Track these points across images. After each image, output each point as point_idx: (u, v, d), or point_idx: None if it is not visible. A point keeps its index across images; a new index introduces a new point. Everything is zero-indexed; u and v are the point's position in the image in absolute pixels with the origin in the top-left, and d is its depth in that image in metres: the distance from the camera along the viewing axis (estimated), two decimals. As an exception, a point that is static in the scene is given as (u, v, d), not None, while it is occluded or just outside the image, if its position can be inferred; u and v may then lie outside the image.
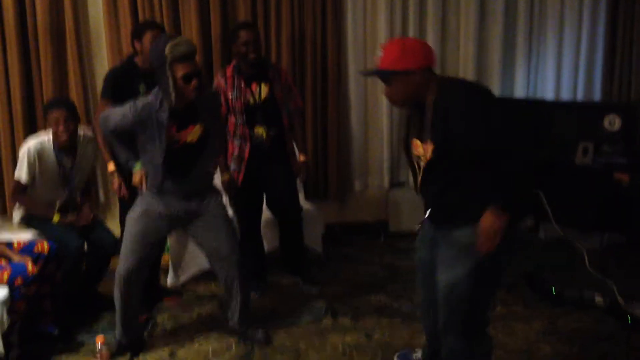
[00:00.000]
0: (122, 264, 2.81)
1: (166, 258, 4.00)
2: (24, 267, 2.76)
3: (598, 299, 3.36)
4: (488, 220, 2.02)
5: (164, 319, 3.35)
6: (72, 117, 3.16)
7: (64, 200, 3.28)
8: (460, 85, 2.15)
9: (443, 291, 2.19)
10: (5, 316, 2.64)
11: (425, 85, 2.07)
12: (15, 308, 2.73)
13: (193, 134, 2.74)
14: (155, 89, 2.70)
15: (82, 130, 3.32)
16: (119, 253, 2.90)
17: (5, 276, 2.71)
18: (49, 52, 3.99)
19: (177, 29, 4.14)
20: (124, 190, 3.29)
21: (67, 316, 3.18)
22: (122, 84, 3.21)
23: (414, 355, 2.78)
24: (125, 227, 2.87)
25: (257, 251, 3.72)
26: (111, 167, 3.30)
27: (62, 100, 3.40)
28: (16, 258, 2.84)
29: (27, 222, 3.26)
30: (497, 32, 4.65)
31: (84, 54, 4.14)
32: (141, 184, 2.81)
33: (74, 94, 4.06)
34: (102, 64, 4.15)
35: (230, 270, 2.93)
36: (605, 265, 3.55)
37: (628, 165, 3.48)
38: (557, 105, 4.34)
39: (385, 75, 2.11)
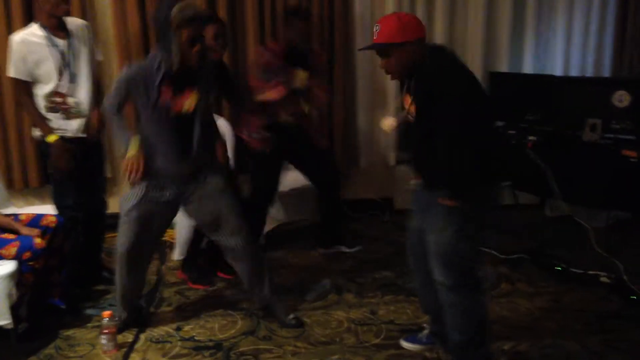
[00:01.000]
0: (121, 241, 2.78)
1: (172, 233, 4.03)
2: (32, 241, 2.77)
3: (603, 276, 3.36)
4: (444, 202, 2.25)
5: (170, 295, 3.38)
6: None
7: (60, 96, 3.06)
8: (444, 62, 2.26)
9: (432, 247, 2.33)
10: (13, 289, 2.66)
11: (418, 55, 2.23)
12: (24, 281, 2.74)
13: (190, 101, 2.66)
14: (152, 52, 2.69)
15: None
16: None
17: (14, 250, 2.72)
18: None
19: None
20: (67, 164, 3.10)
21: (74, 289, 3.22)
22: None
23: (419, 335, 2.79)
24: (122, 212, 2.77)
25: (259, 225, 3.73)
26: (54, 137, 3.08)
27: None
28: (24, 230, 2.85)
29: (41, 146, 3.17)
30: (506, 7, 4.59)
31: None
32: (133, 171, 2.67)
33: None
34: (111, 66, 4.14)
35: (240, 245, 2.89)
36: (611, 243, 3.54)
37: (636, 142, 3.44)
38: (565, 81, 4.28)
39: (384, 47, 2.25)
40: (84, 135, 3.18)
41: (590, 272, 3.42)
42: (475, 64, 4.61)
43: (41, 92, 3.06)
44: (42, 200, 4.26)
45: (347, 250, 3.97)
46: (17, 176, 4.15)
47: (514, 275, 3.50)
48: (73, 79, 3.10)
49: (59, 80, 3.05)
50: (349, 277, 3.56)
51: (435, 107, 2.16)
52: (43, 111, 3.08)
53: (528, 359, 2.64)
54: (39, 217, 3.01)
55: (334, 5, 4.32)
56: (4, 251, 2.72)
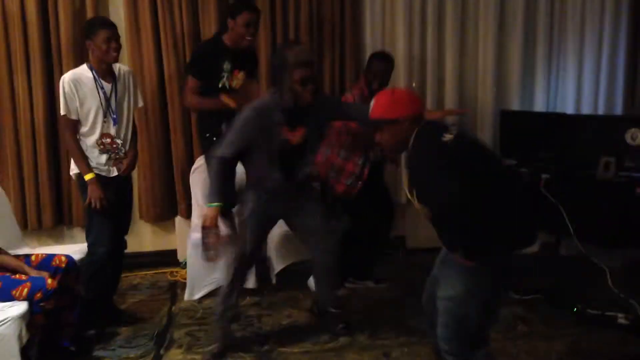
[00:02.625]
0: (242, 243, 3.02)
1: (183, 273, 4.02)
2: (44, 282, 2.77)
3: (621, 318, 3.29)
4: (457, 259, 2.17)
5: (180, 336, 3.35)
6: (119, 37, 3.19)
7: (109, 137, 3.21)
8: (424, 144, 2.20)
9: (440, 305, 2.25)
10: (24, 331, 2.65)
11: (412, 132, 2.21)
12: (34, 322, 2.73)
13: (300, 136, 2.88)
14: (271, 91, 2.90)
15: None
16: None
17: (25, 291, 2.73)
18: (72, 68, 4.04)
19: (196, 31, 4.17)
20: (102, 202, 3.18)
21: (85, 330, 3.20)
22: (208, 61, 3.34)
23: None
24: (239, 217, 3.06)
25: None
26: (91, 175, 3.18)
27: (107, 19, 3.38)
28: (33, 273, 2.85)
29: (79, 182, 3.27)
30: (517, 45, 4.63)
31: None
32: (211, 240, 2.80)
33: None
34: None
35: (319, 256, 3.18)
36: (627, 282, 3.48)
37: (651, 180, 3.41)
38: (578, 119, 4.28)
39: (375, 123, 2.28)
40: (119, 174, 3.30)
41: (608, 313, 3.34)
42: (486, 102, 4.63)
43: (91, 133, 3.18)
44: (55, 240, 4.28)
45: (374, 285, 4.00)
46: (31, 217, 4.17)
47: (530, 316, 3.44)
48: (115, 121, 3.22)
49: (104, 122, 3.19)
50: (363, 317, 3.51)
51: (421, 185, 2.15)
52: (96, 154, 3.20)
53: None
54: (50, 257, 3.02)
55: (344, 12, 4.37)
56: (15, 292, 2.72)
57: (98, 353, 3.13)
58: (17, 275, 2.82)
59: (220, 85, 3.39)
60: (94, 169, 3.20)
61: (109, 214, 3.23)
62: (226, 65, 3.36)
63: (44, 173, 4.12)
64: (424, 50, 4.54)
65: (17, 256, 3.03)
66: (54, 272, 2.93)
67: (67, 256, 3.05)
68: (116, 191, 3.29)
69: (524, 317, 3.44)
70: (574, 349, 3.08)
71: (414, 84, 4.49)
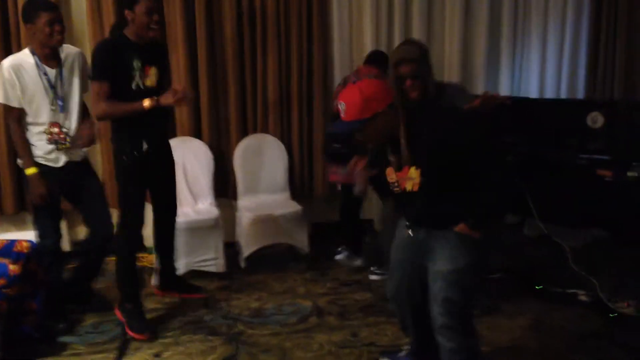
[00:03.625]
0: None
1: (150, 259, 3.98)
2: (6, 268, 2.72)
3: (581, 295, 3.39)
4: (464, 230, 2.18)
5: (149, 319, 3.32)
6: (62, 18, 2.97)
7: (56, 127, 3.02)
8: (442, 110, 2.24)
9: (441, 284, 2.22)
10: (-14, 318, 2.60)
11: (393, 119, 2.22)
12: (-3, 309, 2.69)
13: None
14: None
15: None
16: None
17: (-14, 277, 2.67)
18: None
19: (162, 30, 4.09)
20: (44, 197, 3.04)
21: (52, 319, 3.16)
22: (114, 60, 2.92)
23: (399, 354, 2.77)
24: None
25: None
26: (32, 170, 3.02)
27: (50, 2, 3.04)
28: None
29: (24, 174, 3.08)
30: (482, 32, 4.70)
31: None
32: None
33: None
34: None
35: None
36: (588, 261, 3.58)
37: (611, 162, 3.50)
38: (540, 103, 4.35)
39: (354, 125, 2.30)
40: (77, 160, 3.17)
41: (569, 291, 3.44)
42: (452, 87, 4.69)
43: (36, 122, 3.03)
44: (18, 227, 4.20)
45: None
46: (-8, 203, 4.08)
47: (494, 293, 3.51)
48: (62, 108, 3.06)
49: (50, 110, 3.02)
50: (331, 300, 3.54)
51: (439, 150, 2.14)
52: (43, 143, 3.04)
53: (510, 379, 2.64)
54: (12, 243, 2.95)
55: (312, 25, 4.38)
56: (-24, 278, 2.66)
57: (65, 339, 3.09)
58: (-22, 262, 2.75)
59: (134, 87, 2.96)
60: (40, 159, 3.04)
61: (53, 207, 3.11)
62: (136, 63, 2.94)
63: (4, 159, 4.03)
64: (392, 38, 4.56)
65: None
66: (16, 257, 2.87)
67: (30, 241, 3.00)
68: (71, 179, 3.14)
69: (489, 294, 3.51)
70: (536, 324, 3.16)
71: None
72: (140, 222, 3.17)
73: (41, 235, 3.15)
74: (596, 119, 3.69)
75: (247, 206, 4.19)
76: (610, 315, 3.19)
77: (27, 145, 3.04)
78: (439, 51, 4.70)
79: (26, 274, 2.90)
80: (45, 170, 3.05)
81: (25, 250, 2.93)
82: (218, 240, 3.89)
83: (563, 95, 4.85)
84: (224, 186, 4.41)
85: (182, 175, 4.11)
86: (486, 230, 2.19)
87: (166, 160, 3.31)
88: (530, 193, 3.60)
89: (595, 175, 3.45)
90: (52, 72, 3.02)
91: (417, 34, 4.57)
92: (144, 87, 2.98)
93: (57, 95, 3.04)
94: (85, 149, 3.22)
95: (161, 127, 3.22)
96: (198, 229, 3.85)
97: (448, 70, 4.69)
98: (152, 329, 3.14)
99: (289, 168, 4.46)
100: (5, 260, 2.80)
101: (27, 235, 3.25)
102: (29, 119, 3.03)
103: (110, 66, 2.90)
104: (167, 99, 2.94)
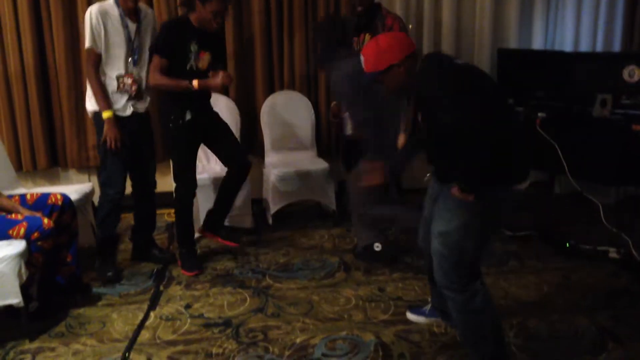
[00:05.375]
0: None
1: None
2: (40, 221, 2.78)
3: (612, 252, 3.34)
4: (456, 194, 2.16)
5: (179, 273, 3.40)
6: None
7: (130, 77, 3.17)
8: (434, 72, 2.20)
9: (435, 241, 2.25)
10: (23, 269, 2.67)
11: (412, 71, 2.21)
12: (33, 261, 2.75)
13: None
14: None
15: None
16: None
17: (22, 231, 2.73)
18: (61, 10, 4.00)
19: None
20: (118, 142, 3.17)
21: (100, 265, 3.33)
22: (176, 40, 3.17)
23: (424, 308, 2.80)
24: None
25: None
26: (109, 113, 3.14)
27: None
28: (28, 213, 2.86)
29: (95, 120, 3.23)
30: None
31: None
32: None
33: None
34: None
35: None
36: (620, 218, 3.52)
37: (647, 117, 3.40)
38: (575, 57, 4.22)
39: (373, 77, 2.27)
40: (142, 112, 3.29)
41: (600, 248, 3.40)
42: (484, 41, 4.57)
43: (112, 70, 3.15)
44: (51, 182, 4.29)
45: None
46: (25, 158, 4.17)
47: (523, 252, 3.49)
48: (136, 62, 3.19)
49: (126, 61, 3.15)
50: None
51: (436, 113, 2.12)
52: (115, 91, 3.17)
53: (536, 334, 2.64)
54: (46, 196, 3.01)
55: None
56: (12, 232, 2.73)
57: (98, 290, 3.18)
58: (13, 215, 2.82)
59: (187, 68, 3.21)
60: (117, 110, 3.18)
61: (123, 155, 3.22)
62: (193, 47, 3.20)
63: (36, 115, 4.10)
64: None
65: (12, 196, 3.02)
66: (50, 210, 2.93)
67: (63, 194, 3.05)
68: (134, 130, 3.26)
69: (516, 253, 3.49)
70: (564, 282, 3.14)
71: (410, 26, 4.41)
72: (189, 180, 3.39)
73: (105, 184, 3.27)
74: (633, 73, 3.57)
75: (274, 163, 4.20)
76: (641, 272, 3.16)
77: (104, 90, 3.15)
78: (470, 5, 4.56)
79: (60, 226, 2.96)
80: (117, 120, 3.18)
81: (59, 203, 2.98)
82: (246, 196, 3.92)
83: (599, 48, 4.68)
84: (251, 143, 4.42)
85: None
86: (484, 194, 2.13)
87: (215, 121, 3.45)
88: (563, 149, 3.53)
89: (630, 130, 3.36)
90: (132, 26, 3.16)
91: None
92: (196, 69, 3.23)
93: (134, 48, 3.16)
94: (148, 101, 3.32)
95: (204, 100, 3.41)
96: (208, 187, 3.86)
97: (480, 23, 4.56)
98: (200, 267, 3.43)
99: (316, 125, 4.44)
100: (39, 214, 2.86)
101: (60, 189, 3.32)
102: (105, 67, 3.15)
103: (171, 46, 3.17)
104: (215, 83, 3.17)
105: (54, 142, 4.24)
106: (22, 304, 2.68)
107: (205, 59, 3.24)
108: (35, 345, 2.69)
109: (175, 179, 3.41)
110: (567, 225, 3.73)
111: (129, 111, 3.22)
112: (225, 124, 3.50)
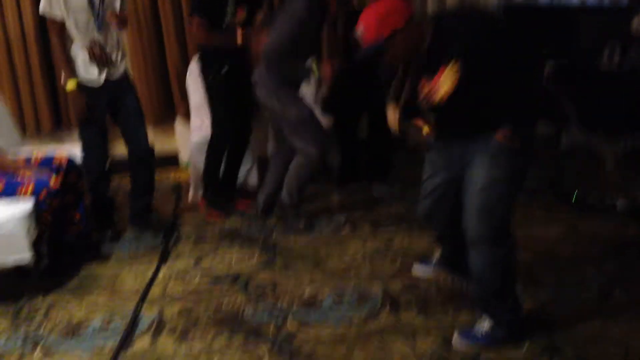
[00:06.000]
0: None
1: (185, 175, 4.05)
2: (47, 181, 2.79)
3: (620, 203, 3.34)
4: (503, 139, 2.08)
5: (188, 230, 3.43)
6: None
7: (97, 44, 3.02)
8: (471, 19, 2.16)
9: (477, 198, 2.15)
10: (33, 227, 2.70)
11: (416, 34, 2.15)
12: (42, 219, 2.78)
13: None
14: None
15: None
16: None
17: (30, 190, 2.75)
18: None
19: None
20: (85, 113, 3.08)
21: (97, 228, 3.30)
22: (212, 1, 3.28)
23: (432, 261, 2.81)
24: None
25: None
26: (72, 84, 3.02)
27: None
28: (33, 173, 2.86)
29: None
30: None
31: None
32: None
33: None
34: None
35: None
36: (628, 170, 3.50)
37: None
38: (582, 10, 4.15)
39: (376, 48, 2.16)
40: (117, 77, 3.15)
41: (607, 200, 3.39)
42: (489, -5, 4.49)
43: (77, 38, 3.01)
44: (55, 144, 4.28)
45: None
46: (29, 121, 4.18)
47: (529, 204, 3.48)
48: (101, 27, 3.04)
49: (91, 27, 3.00)
50: (364, 212, 3.57)
51: (486, 57, 2.01)
52: (83, 60, 3.03)
53: (542, 283, 2.65)
54: (51, 157, 3.02)
55: None
56: (20, 190, 2.75)
57: (109, 248, 3.21)
58: (20, 175, 2.83)
59: (224, 25, 3.32)
60: (82, 78, 3.03)
61: (99, 124, 3.13)
62: (230, 6, 3.30)
63: (38, 77, 4.09)
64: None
65: (17, 158, 3.03)
66: (56, 171, 2.94)
67: (67, 155, 3.06)
68: (114, 98, 3.16)
69: (523, 204, 3.47)
70: (571, 232, 3.14)
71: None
72: (225, 133, 3.51)
73: (85, 153, 3.18)
74: (640, 24, 3.52)
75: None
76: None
77: (68, 59, 3.03)
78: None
79: (67, 186, 2.98)
80: (86, 88, 3.05)
81: (64, 164, 2.99)
82: (250, 154, 3.90)
83: (607, 2, 4.59)
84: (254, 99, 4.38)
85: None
86: (526, 139, 2.10)
87: (246, 81, 3.37)
88: (572, 100, 3.50)
89: (638, 81, 3.33)
90: None
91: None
92: (233, 24, 3.32)
93: (98, 13, 3.02)
94: (123, 66, 3.22)
95: (241, 56, 3.42)
96: None
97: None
98: (226, 211, 3.57)
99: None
100: (46, 173, 2.87)
101: (65, 150, 3.33)
102: (70, 34, 3.01)
103: (209, 5, 3.30)
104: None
105: (57, 103, 4.23)
106: (33, 262, 2.72)
107: (241, 16, 3.32)
108: (48, 300, 2.73)
109: (213, 128, 3.50)
110: (573, 178, 3.71)
111: (102, 79, 3.08)
112: (250, 86, 3.42)
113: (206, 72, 3.44)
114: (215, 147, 3.55)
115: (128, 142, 3.31)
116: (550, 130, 4.15)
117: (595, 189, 3.50)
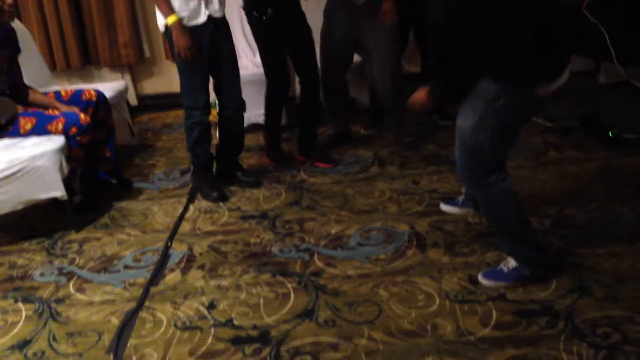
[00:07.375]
0: None
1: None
2: (77, 117, 2.82)
3: (657, 140, 3.22)
4: (419, 95, 2.13)
5: (214, 171, 3.44)
6: None
7: None
8: None
9: (457, 135, 2.15)
10: (64, 163, 2.75)
11: None
12: (74, 156, 2.82)
13: None
14: None
15: None
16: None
17: (60, 126, 2.78)
18: None
19: None
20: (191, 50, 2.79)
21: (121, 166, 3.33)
22: None
23: (457, 199, 2.79)
24: None
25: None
26: (172, 19, 2.74)
27: None
28: (64, 108, 2.89)
29: (167, 34, 2.84)
30: None
31: None
32: None
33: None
34: None
35: None
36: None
37: None
38: None
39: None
40: (219, 16, 2.87)
41: (643, 137, 3.28)
42: None
43: None
44: (85, 80, 4.32)
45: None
46: (58, 57, 4.19)
47: (563, 142, 3.40)
48: None
49: None
50: (392, 151, 3.54)
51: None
52: None
53: (574, 222, 2.61)
54: (80, 92, 3.04)
55: None
56: (50, 127, 2.78)
57: (138, 185, 3.27)
58: (50, 111, 2.86)
59: None
60: (181, 17, 2.75)
61: (201, 68, 2.87)
62: None
63: (66, 14, 4.06)
64: None
65: (47, 93, 3.05)
66: (86, 106, 2.96)
67: (97, 90, 3.07)
68: (214, 40, 2.86)
69: (556, 143, 3.40)
70: (605, 170, 3.06)
71: None
72: (279, 79, 3.28)
73: (187, 104, 2.95)
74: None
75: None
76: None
77: None
78: None
79: (97, 122, 3.00)
80: (188, 28, 2.77)
81: (93, 99, 3.00)
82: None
83: None
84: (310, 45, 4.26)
85: (240, 28, 4.03)
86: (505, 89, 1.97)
87: (299, 26, 3.22)
88: (610, 35, 3.32)
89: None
90: None
91: None
92: None
93: None
94: (224, 9, 2.94)
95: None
96: (256, 82, 3.79)
97: None
98: (285, 158, 3.51)
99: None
100: (75, 109, 2.89)
101: (94, 87, 3.34)
102: None
103: None
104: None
105: (85, 40, 4.22)
106: (66, 197, 2.78)
107: None
108: (81, 235, 2.82)
109: (266, 76, 3.29)
110: (610, 114, 3.58)
111: (203, 17, 2.80)
112: (307, 29, 3.26)
113: (250, 17, 3.16)
114: (269, 99, 3.36)
115: (222, 95, 3.06)
116: (588, 65, 3.99)
117: (633, 126, 3.37)
